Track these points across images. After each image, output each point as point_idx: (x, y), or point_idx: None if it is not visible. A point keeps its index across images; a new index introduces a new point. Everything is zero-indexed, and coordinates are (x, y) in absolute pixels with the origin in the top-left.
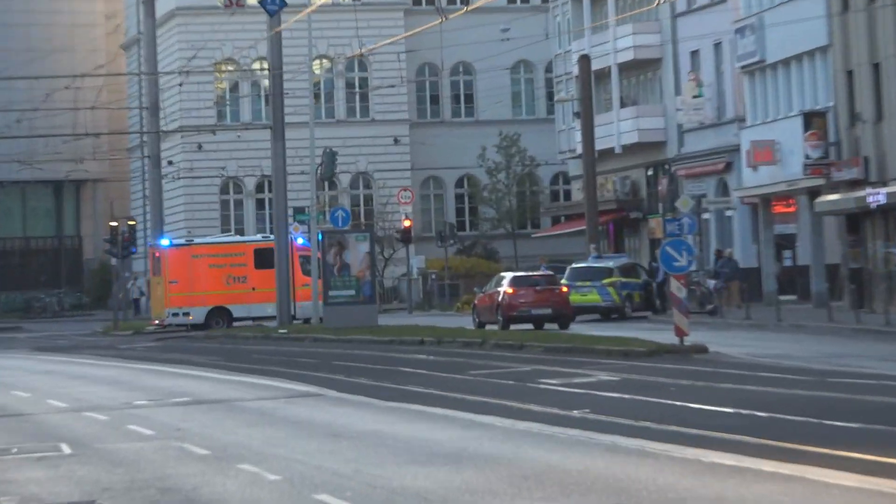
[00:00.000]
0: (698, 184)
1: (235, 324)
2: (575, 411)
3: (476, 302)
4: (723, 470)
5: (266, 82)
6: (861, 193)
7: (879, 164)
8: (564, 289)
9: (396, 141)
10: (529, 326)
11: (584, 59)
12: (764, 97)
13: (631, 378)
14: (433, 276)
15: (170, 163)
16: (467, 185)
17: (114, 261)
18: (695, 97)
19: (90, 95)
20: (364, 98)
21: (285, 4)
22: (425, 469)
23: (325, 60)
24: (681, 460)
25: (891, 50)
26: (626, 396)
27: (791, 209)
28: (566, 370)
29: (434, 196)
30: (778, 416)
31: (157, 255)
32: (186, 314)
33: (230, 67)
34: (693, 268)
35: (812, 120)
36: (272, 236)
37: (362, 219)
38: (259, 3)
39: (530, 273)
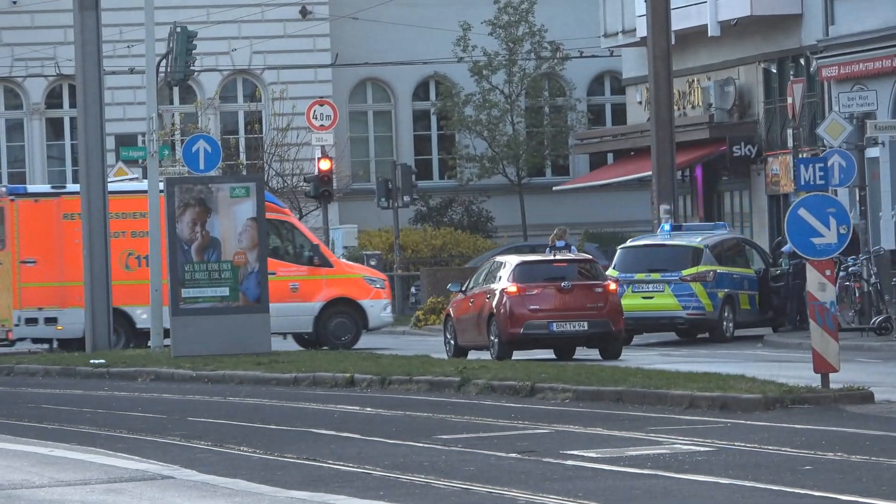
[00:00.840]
0: (860, 94)
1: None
2: None
3: (451, 310)
4: None
5: None
6: None
7: None
8: (612, 286)
9: (305, 13)
10: (548, 354)
11: None
12: None
13: (733, 449)
14: (373, 262)
15: None
16: (435, 94)
17: None
18: None
19: None
20: None
21: None
22: None
23: None
24: None
25: None
26: (725, 483)
27: None
28: (614, 434)
29: (375, 116)
30: None
31: None
32: (51, 320)
33: None
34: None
35: None
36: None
37: (243, 157)
38: None
39: (549, 258)
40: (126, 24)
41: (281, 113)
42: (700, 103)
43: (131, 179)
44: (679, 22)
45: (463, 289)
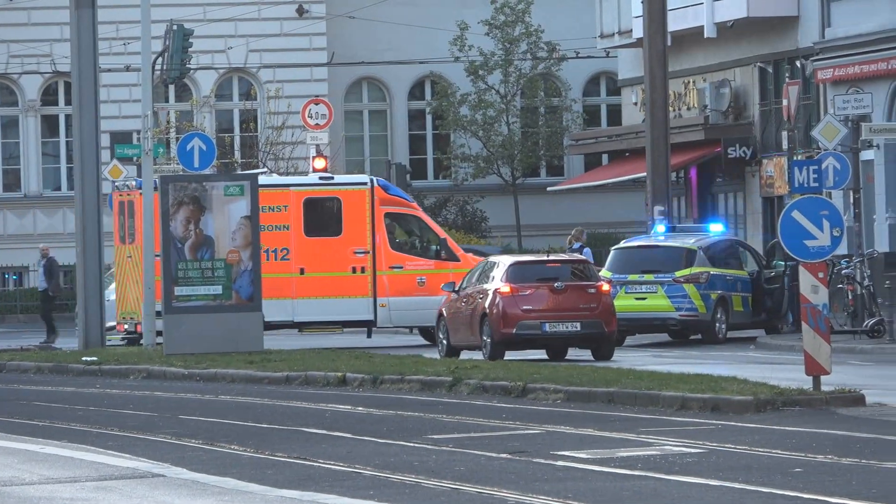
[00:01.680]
0: (856, 96)
1: (267, 334)
2: None
3: (444, 309)
4: None
5: None
6: None
7: None
8: (605, 287)
9: (302, 11)
10: (540, 354)
11: None
12: None
13: (723, 450)
14: None
15: None
16: (431, 94)
17: None
18: None
19: None
20: None
21: None
22: None
23: None
24: None
25: None
26: (715, 485)
27: None
28: (605, 435)
29: (371, 115)
30: None
31: (124, 201)
32: None
33: None
34: (842, 252)
35: None
36: (336, 176)
37: (237, 156)
38: None
39: (543, 258)
40: (122, 22)
41: (276, 111)
42: (695, 105)
43: (261, 173)
44: (675, 23)
45: (456, 288)
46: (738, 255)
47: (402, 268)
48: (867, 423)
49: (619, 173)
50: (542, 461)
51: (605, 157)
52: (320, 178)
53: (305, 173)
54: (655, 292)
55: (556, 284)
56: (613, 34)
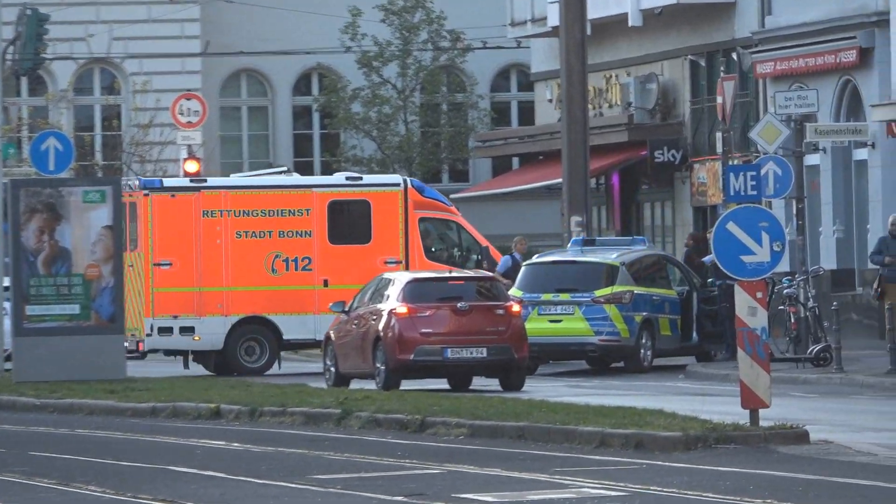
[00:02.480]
0: (799, 93)
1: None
2: None
3: (332, 333)
4: None
5: None
6: None
7: None
8: (515, 308)
9: None
10: (441, 383)
11: None
12: None
13: (648, 493)
14: None
15: None
16: (318, 89)
17: None
18: None
19: None
20: None
21: None
22: None
23: None
24: None
25: None
26: None
27: None
28: (513, 475)
29: (250, 112)
30: None
31: (125, 202)
32: (188, 330)
33: None
34: (783, 269)
35: None
36: (365, 176)
37: (99, 157)
38: None
39: (444, 274)
40: None
41: (143, 107)
42: (618, 102)
43: (279, 172)
44: (596, 10)
45: (346, 309)
46: (665, 272)
47: None
48: (811, 462)
49: (531, 179)
50: None
51: (515, 161)
52: (347, 178)
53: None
54: (572, 314)
55: (459, 305)
56: (526, 22)
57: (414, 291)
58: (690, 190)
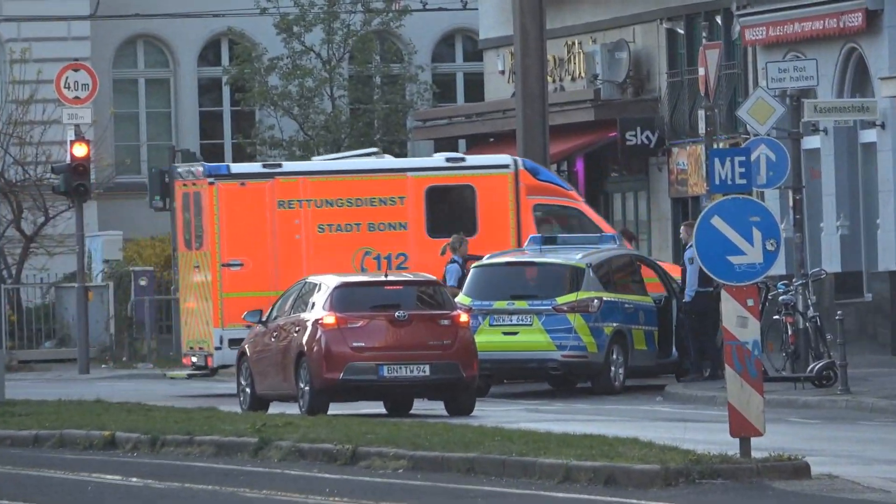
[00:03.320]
0: (795, 63)
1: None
2: None
3: (247, 347)
4: None
5: None
6: None
7: None
8: (463, 318)
9: None
10: (377, 407)
11: None
12: None
13: None
14: (143, 282)
15: None
16: (229, 58)
17: None
18: None
19: None
20: None
21: None
22: None
23: None
24: None
25: None
26: None
27: None
28: None
29: (148, 85)
30: None
31: (189, 192)
32: None
33: None
34: (779, 272)
35: None
36: (468, 157)
37: None
38: None
39: (379, 278)
40: None
41: (22, 80)
42: (582, 74)
43: (368, 154)
44: None
45: (263, 319)
46: (639, 275)
47: None
48: (812, 500)
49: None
50: None
51: (461, 143)
52: (447, 159)
53: (61, 162)
54: (530, 325)
55: (397, 314)
56: None
57: (343, 298)
58: (668, 178)
